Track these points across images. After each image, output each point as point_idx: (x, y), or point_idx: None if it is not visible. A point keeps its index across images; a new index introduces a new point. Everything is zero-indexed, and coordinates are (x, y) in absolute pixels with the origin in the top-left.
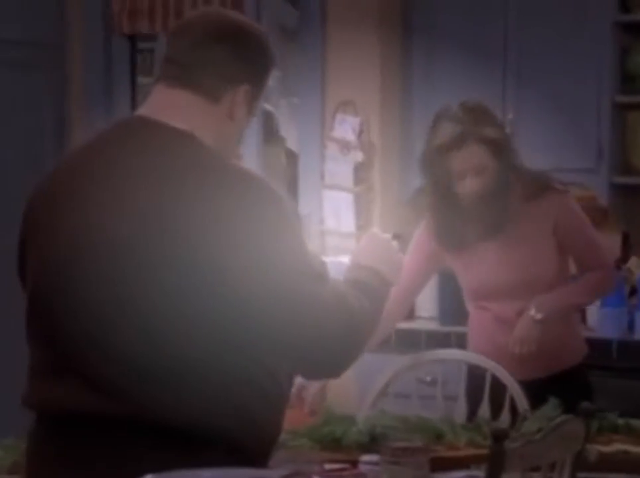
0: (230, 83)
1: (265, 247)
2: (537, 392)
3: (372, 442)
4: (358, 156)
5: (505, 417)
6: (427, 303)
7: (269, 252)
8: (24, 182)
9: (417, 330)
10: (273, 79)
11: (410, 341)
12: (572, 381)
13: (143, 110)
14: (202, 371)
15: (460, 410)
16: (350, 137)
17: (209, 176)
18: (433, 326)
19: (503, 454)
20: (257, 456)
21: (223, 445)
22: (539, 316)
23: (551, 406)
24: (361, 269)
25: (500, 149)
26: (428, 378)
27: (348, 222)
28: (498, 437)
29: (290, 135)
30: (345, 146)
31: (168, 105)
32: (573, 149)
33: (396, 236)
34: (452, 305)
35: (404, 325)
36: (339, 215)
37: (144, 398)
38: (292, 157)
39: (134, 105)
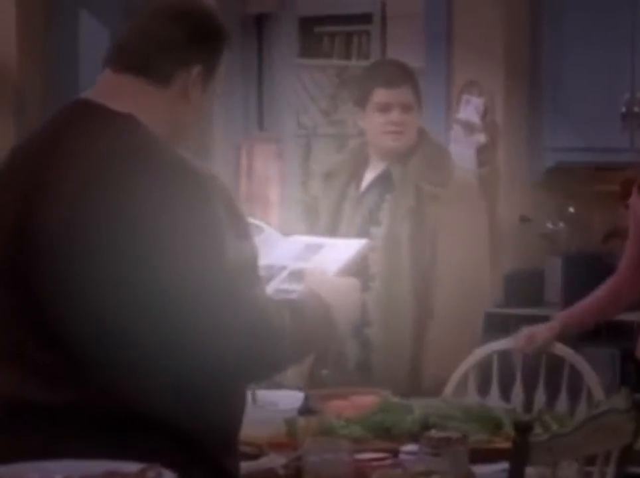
0: (179, 64)
1: (184, 238)
2: None
3: (425, 432)
4: (482, 137)
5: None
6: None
7: (185, 242)
8: None
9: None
10: None
11: None
12: None
13: (87, 94)
14: (139, 357)
15: (539, 399)
16: (474, 118)
17: (140, 163)
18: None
19: (527, 446)
20: (210, 446)
21: (165, 433)
22: None
23: (621, 397)
24: (307, 294)
25: None
26: None
27: None
28: (522, 429)
29: None
30: (469, 128)
31: (112, 88)
32: None
33: (524, 219)
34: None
35: None
36: None
37: (85, 385)
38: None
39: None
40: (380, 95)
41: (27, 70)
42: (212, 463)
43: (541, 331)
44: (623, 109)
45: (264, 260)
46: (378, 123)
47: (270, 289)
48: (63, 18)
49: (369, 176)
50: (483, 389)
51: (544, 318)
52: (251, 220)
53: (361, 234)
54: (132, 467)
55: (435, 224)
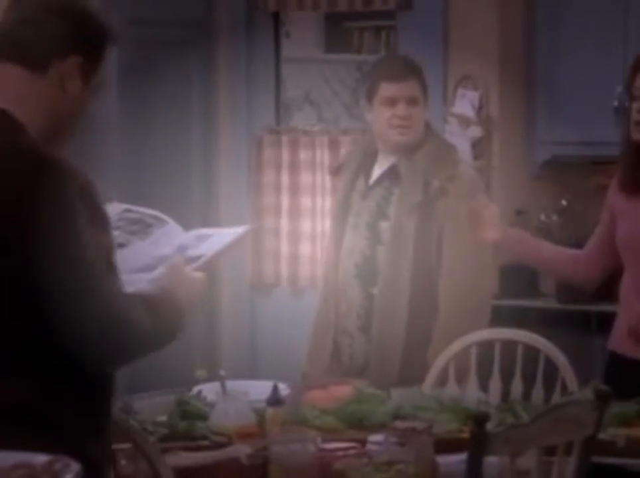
0: (56, 53)
1: (38, 227)
2: None
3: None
4: (477, 131)
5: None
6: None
7: (39, 231)
8: (173, 152)
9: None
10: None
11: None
12: None
13: None
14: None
15: (516, 390)
16: (470, 112)
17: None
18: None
19: (484, 437)
20: (79, 436)
21: (33, 421)
22: None
23: (591, 388)
24: (161, 287)
25: None
26: None
27: None
28: (479, 421)
29: None
30: (464, 121)
31: None
32: None
33: (519, 212)
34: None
35: None
36: None
37: None
38: None
39: (278, 79)
40: (386, 89)
41: None
42: (80, 453)
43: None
44: (616, 104)
45: (162, 251)
46: (384, 117)
47: (151, 276)
48: None
49: (378, 171)
50: (462, 379)
51: (539, 310)
52: (155, 213)
53: (370, 227)
54: (40, 458)
55: (442, 217)
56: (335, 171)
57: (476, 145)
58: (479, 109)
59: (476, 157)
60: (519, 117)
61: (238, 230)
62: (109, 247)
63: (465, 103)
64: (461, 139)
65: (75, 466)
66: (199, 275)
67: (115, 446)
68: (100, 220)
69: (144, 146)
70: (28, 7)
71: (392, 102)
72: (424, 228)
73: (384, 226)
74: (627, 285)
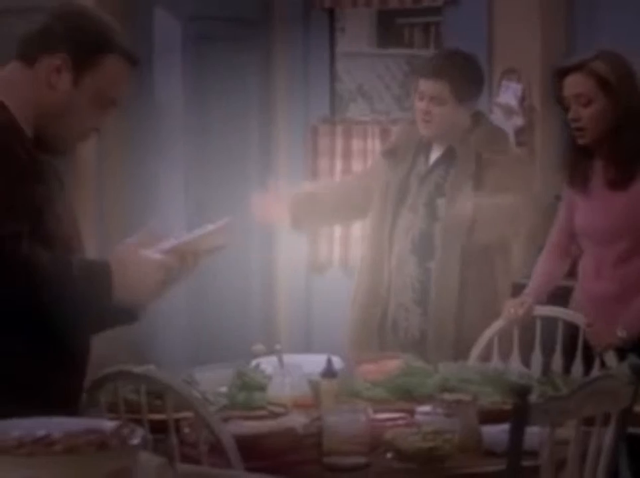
0: (43, 48)
1: None
2: None
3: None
4: (519, 120)
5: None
6: None
7: None
8: (233, 140)
9: None
10: None
11: None
12: None
13: None
14: None
15: (556, 365)
16: (513, 103)
17: None
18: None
19: (526, 408)
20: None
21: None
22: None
23: (628, 363)
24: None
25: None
26: None
27: None
28: (521, 393)
29: None
30: (508, 111)
31: None
32: None
33: (558, 197)
34: None
35: None
36: None
37: None
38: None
39: (333, 75)
40: (420, 84)
41: None
42: None
43: (516, 305)
44: None
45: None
46: (417, 109)
47: None
48: (139, 14)
49: (435, 154)
50: (505, 355)
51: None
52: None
53: (427, 205)
54: (109, 424)
55: (493, 187)
56: (388, 154)
57: (518, 133)
58: (522, 99)
59: (518, 144)
60: (559, 107)
61: (219, 223)
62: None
63: (509, 94)
64: (504, 128)
65: (140, 431)
66: (160, 258)
67: (178, 415)
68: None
69: (206, 136)
70: (41, 13)
71: (421, 97)
72: (476, 196)
73: (440, 202)
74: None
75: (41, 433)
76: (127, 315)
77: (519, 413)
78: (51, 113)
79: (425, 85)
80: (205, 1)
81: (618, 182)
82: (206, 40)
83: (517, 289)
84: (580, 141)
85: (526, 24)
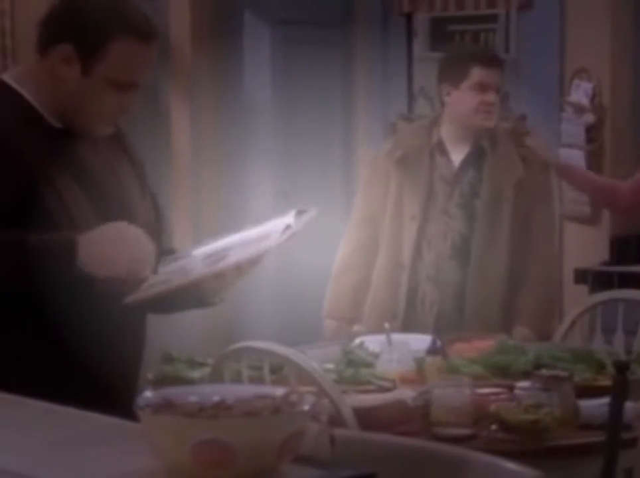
0: (52, 39)
1: None
2: None
3: (537, 370)
4: (590, 118)
5: None
6: None
7: None
8: (317, 136)
9: None
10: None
11: None
12: None
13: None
14: None
15: (638, 346)
16: (584, 101)
17: None
18: None
19: (625, 383)
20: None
21: None
22: None
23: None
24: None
25: None
26: None
27: None
28: (621, 368)
29: None
30: (579, 109)
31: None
32: None
33: None
34: None
35: None
36: None
37: None
38: None
39: (410, 77)
40: (478, 74)
41: (200, 64)
42: None
43: None
44: None
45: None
46: (473, 101)
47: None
48: (230, 18)
49: (458, 154)
50: (588, 336)
51: None
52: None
53: (463, 207)
54: (279, 390)
55: (528, 187)
56: (400, 161)
57: (589, 130)
58: (593, 98)
59: (589, 141)
60: (628, 105)
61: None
62: None
63: (579, 92)
64: (576, 125)
65: (310, 397)
66: (139, 233)
67: (302, 388)
68: None
69: (292, 132)
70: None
71: (482, 88)
72: (517, 199)
73: (478, 203)
74: None
75: (216, 398)
76: (196, 300)
77: (619, 387)
78: (68, 103)
79: (492, 76)
80: (292, 7)
81: None
82: (292, 43)
83: (579, 275)
84: None
85: (597, 25)
